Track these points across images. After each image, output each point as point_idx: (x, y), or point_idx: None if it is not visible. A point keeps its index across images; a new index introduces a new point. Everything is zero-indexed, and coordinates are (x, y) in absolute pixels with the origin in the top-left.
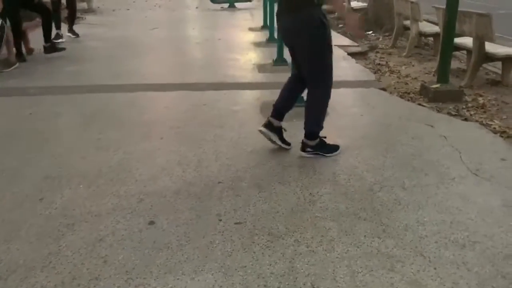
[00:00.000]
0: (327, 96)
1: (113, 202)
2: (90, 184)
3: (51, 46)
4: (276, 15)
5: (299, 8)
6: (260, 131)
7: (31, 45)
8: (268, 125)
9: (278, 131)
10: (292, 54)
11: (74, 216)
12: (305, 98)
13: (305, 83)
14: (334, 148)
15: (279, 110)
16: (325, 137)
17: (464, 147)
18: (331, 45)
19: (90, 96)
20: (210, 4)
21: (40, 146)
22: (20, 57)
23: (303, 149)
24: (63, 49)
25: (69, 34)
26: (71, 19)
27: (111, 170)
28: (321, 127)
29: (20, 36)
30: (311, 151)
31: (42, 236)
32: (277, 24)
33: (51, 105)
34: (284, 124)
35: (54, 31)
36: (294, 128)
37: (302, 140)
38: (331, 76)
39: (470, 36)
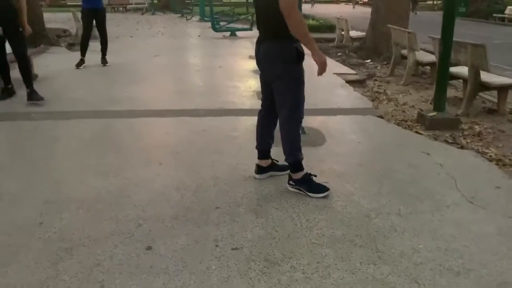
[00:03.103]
0: (296, 127)
1: (111, 226)
2: (88, 208)
3: (32, 92)
4: (256, 42)
5: (274, 37)
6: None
7: (36, 71)
8: (260, 170)
9: (272, 168)
10: (263, 83)
11: (72, 240)
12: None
13: (276, 114)
14: (322, 188)
15: (263, 150)
16: (315, 176)
17: (459, 174)
18: (303, 79)
19: (90, 121)
20: (212, 32)
21: (40, 170)
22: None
23: (288, 180)
24: (42, 99)
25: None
26: (103, 48)
27: (109, 195)
28: (298, 157)
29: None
30: (293, 185)
31: (40, 260)
32: (255, 51)
33: (52, 130)
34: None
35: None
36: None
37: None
38: (300, 109)
39: (466, 66)
